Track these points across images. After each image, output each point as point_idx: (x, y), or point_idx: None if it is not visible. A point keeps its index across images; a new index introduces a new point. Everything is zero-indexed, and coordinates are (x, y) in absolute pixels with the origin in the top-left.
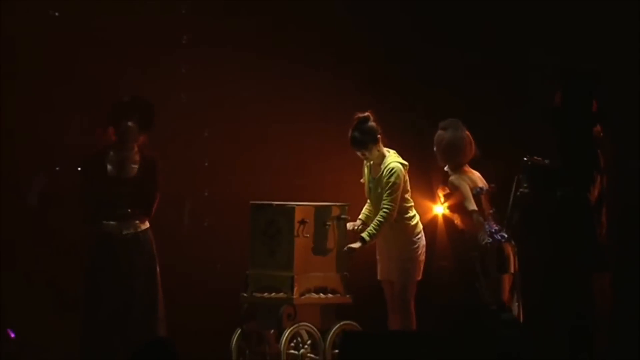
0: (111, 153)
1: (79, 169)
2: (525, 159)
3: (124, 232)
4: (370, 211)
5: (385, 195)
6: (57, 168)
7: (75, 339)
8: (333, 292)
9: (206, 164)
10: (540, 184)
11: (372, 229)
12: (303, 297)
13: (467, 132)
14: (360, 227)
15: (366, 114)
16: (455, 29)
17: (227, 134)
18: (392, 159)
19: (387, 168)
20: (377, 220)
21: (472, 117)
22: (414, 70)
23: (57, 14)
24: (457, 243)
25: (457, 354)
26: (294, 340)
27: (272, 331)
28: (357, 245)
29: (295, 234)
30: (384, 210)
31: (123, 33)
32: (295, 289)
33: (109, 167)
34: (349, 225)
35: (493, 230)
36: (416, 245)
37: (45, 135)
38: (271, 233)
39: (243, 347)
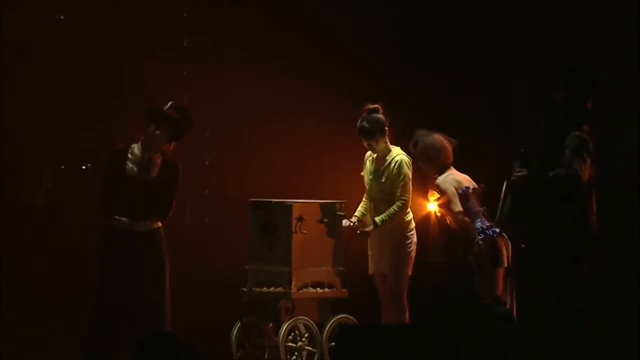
0: (135, 152)
1: (107, 159)
2: (521, 150)
3: (135, 230)
4: (365, 208)
5: (399, 187)
6: (62, 167)
7: (77, 335)
8: (329, 286)
9: (207, 163)
10: (534, 168)
11: (386, 215)
12: (300, 292)
13: (439, 136)
14: (355, 224)
15: (377, 105)
16: (450, 29)
17: (227, 134)
18: (398, 152)
19: (394, 161)
20: (393, 209)
21: (464, 117)
22: (410, 69)
23: (62, 17)
24: (450, 239)
25: (450, 346)
26: (292, 333)
27: (271, 324)
28: (370, 229)
29: (293, 230)
30: (401, 200)
31: (125, 34)
32: (293, 284)
33: (129, 165)
34: (345, 222)
35: (485, 227)
36: (409, 241)
37: (48, 135)
38: (270, 229)
39: (243, 340)
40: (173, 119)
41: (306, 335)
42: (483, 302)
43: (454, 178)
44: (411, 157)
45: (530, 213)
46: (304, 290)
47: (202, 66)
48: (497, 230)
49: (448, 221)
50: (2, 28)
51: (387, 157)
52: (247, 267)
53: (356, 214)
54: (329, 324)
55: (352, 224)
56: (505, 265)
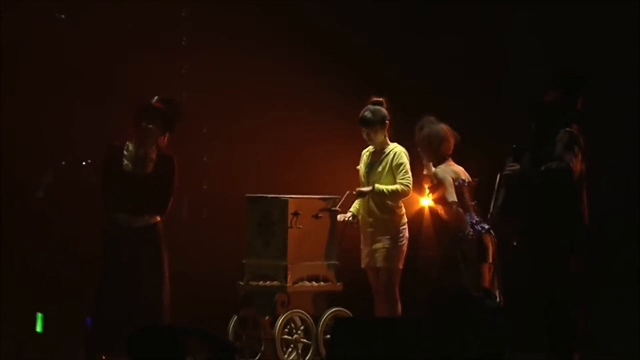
0: (130, 148)
1: (105, 156)
2: (514, 146)
3: (134, 225)
4: (360, 203)
5: (400, 175)
6: (63, 163)
7: (76, 332)
8: (325, 280)
9: (205, 159)
10: (526, 163)
11: (385, 188)
12: (296, 285)
13: (445, 126)
14: (350, 219)
15: (381, 99)
16: (444, 26)
17: (224, 131)
18: (396, 145)
19: (393, 151)
20: (395, 187)
21: (457, 112)
22: (405, 66)
23: (63, 16)
24: (442, 233)
25: (441, 338)
26: (288, 326)
27: (267, 317)
28: (367, 189)
29: (289, 225)
30: (404, 184)
31: (125, 32)
32: (288, 278)
33: (125, 161)
34: (340, 217)
35: (474, 222)
36: (401, 235)
37: (48, 133)
38: (266, 224)
39: (239, 332)
40: (162, 111)
41: (302, 327)
42: (474, 294)
43: (452, 169)
44: (415, 141)
45: (523, 207)
46: (300, 284)
47: (200, 64)
48: (486, 227)
49: (440, 213)
50: (2, 26)
51: (385, 150)
52: (243, 261)
53: (351, 209)
54: (324, 317)
55: (347, 219)
56: (491, 261)
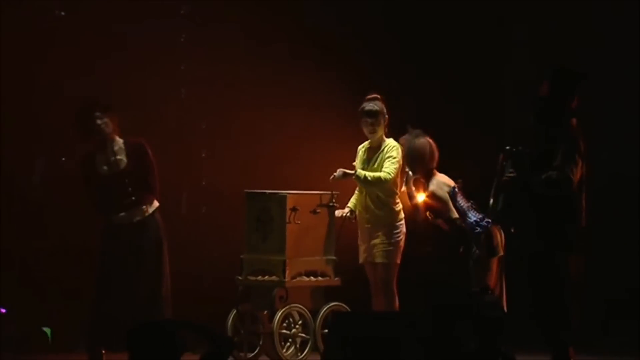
0: (98, 153)
1: (80, 168)
2: (507, 147)
3: (135, 220)
4: (357, 199)
5: (388, 163)
6: (63, 159)
7: (76, 328)
8: (322, 275)
9: (204, 155)
10: (525, 169)
11: (369, 175)
12: (294, 280)
13: (429, 140)
14: (348, 215)
15: (378, 95)
16: (439, 24)
17: (223, 127)
18: (392, 141)
19: (388, 145)
20: (378, 174)
21: (449, 110)
22: (401, 64)
23: (62, 13)
24: (438, 229)
25: (439, 333)
26: (286, 321)
27: (265, 312)
28: (351, 172)
29: (287, 220)
30: (387, 172)
31: (124, 30)
32: (287, 273)
33: (99, 167)
34: (338, 213)
35: (478, 219)
36: (398, 231)
37: (48, 129)
38: (264, 220)
39: (238, 327)
40: (91, 106)
41: (300, 322)
42: (471, 290)
43: (443, 182)
44: (404, 156)
45: (522, 213)
46: (298, 278)
47: (199, 60)
48: (490, 220)
49: (442, 226)
50: (2, 23)
51: (381, 146)
52: (242, 256)
53: (349, 204)
54: (322, 312)
55: (345, 214)
56: (501, 254)
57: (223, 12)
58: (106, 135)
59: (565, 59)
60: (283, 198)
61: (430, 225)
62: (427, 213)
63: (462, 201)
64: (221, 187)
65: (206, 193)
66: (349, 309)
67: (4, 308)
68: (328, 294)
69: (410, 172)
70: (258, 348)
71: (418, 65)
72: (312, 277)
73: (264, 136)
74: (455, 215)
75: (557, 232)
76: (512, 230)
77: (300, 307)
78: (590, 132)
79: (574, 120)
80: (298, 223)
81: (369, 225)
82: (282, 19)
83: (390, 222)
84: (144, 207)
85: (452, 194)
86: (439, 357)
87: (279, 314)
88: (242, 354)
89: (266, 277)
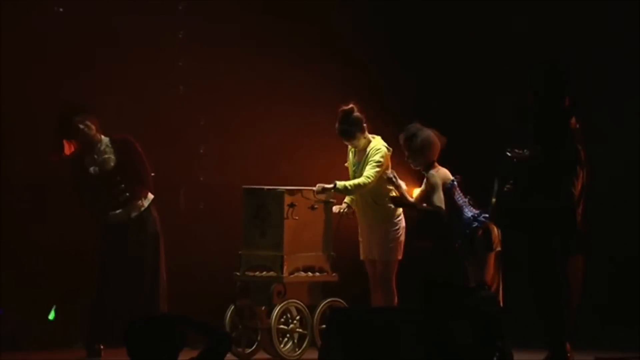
0: (86, 157)
1: (71, 174)
2: (507, 153)
3: (132, 216)
4: (355, 196)
5: (369, 167)
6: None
7: (74, 321)
8: (320, 270)
9: (201, 151)
10: (525, 181)
11: (348, 184)
12: (292, 276)
13: (433, 132)
14: (345, 210)
15: (350, 106)
16: (437, 22)
17: (221, 123)
18: (378, 142)
19: (373, 148)
20: (356, 181)
21: (447, 108)
22: (397, 60)
23: (61, 9)
24: (436, 225)
25: (436, 329)
26: (284, 316)
27: (264, 307)
28: (329, 186)
29: (285, 216)
30: (366, 177)
31: (123, 27)
32: (284, 268)
33: (89, 169)
34: (335, 209)
35: (475, 215)
36: (397, 227)
37: (48, 125)
38: (262, 216)
39: (236, 322)
40: (69, 110)
41: (298, 317)
42: (469, 285)
43: (441, 174)
44: (406, 149)
45: (523, 220)
46: (296, 274)
47: (197, 57)
48: (487, 215)
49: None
50: (2, 21)
51: (367, 149)
52: (240, 252)
53: (346, 200)
54: (320, 307)
55: (342, 210)
56: (499, 249)
57: (221, 9)
58: (90, 137)
59: (563, 57)
60: (281, 194)
61: (428, 220)
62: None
63: (459, 196)
64: (219, 183)
65: (204, 189)
66: (346, 305)
67: (1, 308)
68: (326, 289)
69: (412, 165)
70: (256, 343)
71: (417, 63)
72: (310, 273)
73: (262, 132)
74: (440, 203)
75: (556, 234)
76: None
77: (298, 303)
78: (590, 130)
79: (573, 121)
80: (296, 219)
81: (368, 221)
82: (280, 16)
83: (388, 219)
84: (139, 202)
85: (451, 187)
86: (436, 352)
87: (276, 310)
88: (240, 350)
89: (264, 272)
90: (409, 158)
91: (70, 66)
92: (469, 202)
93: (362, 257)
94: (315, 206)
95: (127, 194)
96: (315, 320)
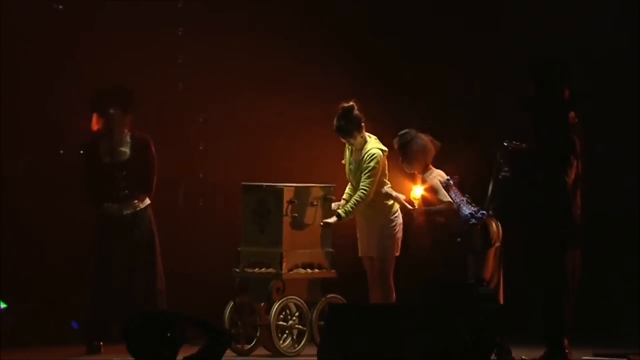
0: (103, 140)
1: (81, 153)
2: (505, 143)
3: (124, 212)
4: (352, 191)
5: (364, 177)
6: (61, 152)
7: (73, 318)
8: (319, 267)
9: (201, 148)
10: (521, 168)
11: (349, 207)
12: (291, 272)
13: (427, 137)
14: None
15: (350, 103)
16: (436, 18)
17: (220, 120)
18: (373, 145)
19: (368, 153)
20: (355, 199)
21: (447, 105)
22: (397, 59)
23: (60, 7)
24: (435, 222)
25: (434, 325)
26: (283, 312)
27: (263, 304)
28: (332, 220)
29: (284, 213)
30: (362, 191)
31: (122, 23)
32: (284, 265)
33: (103, 155)
34: (334, 205)
35: (473, 212)
36: (394, 224)
37: (48, 122)
38: (261, 212)
39: (235, 319)
40: (119, 91)
41: (297, 314)
42: (467, 282)
43: (437, 173)
44: (401, 155)
45: (519, 210)
46: (295, 271)
47: (196, 54)
48: (485, 212)
49: (439, 219)
50: (2, 19)
51: (363, 150)
52: (239, 248)
53: (344, 197)
54: (319, 304)
55: (340, 207)
56: (498, 244)
57: (221, 7)
58: (114, 125)
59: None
60: (280, 191)
61: (427, 217)
62: (420, 197)
63: (455, 194)
64: (218, 179)
65: (203, 186)
66: (345, 301)
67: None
68: (325, 286)
69: (407, 169)
70: (255, 340)
71: (416, 60)
72: (308, 270)
73: (261, 129)
74: (447, 198)
75: (553, 228)
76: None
77: (297, 299)
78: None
79: (572, 115)
80: (295, 216)
81: (365, 219)
82: (281, 12)
83: (385, 216)
84: (136, 202)
85: (447, 185)
86: (435, 349)
87: (276, 306)
88: (239, 346)
89: (263, 269)
90: (403, 163)
91: (68, 62)
92: (466, 201)
93: (360, 254)
94: (315, 203)
95: (127, 192)
96: (314, 317)
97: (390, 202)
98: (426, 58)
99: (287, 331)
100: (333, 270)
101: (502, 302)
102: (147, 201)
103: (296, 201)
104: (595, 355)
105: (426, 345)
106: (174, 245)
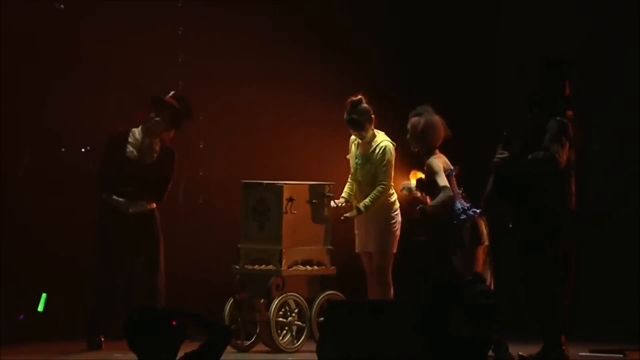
0: (136, 136)
1: (108, 141)
2: (505, 133)
3: (130, 210)
4: (351, 189)
5: (381, 172)
6: (62, 150)
7: (75, 313)
8: (318, 264)
9: (201, 146)
10: (515, 151)
11: (368, 201)
12: (291, 269)
13: (439, 117)
14: (343, 204)
15: (359, 97)
16: (436, 16)
17: (221, 118)
18: (383, 138)
19: (379, 147)
20: (374, 193)
21: (447, 100)
22: (398, 57)
23: (62, 5)
24: (430, 219)
25: (432, 321)
26: (283, 309)
27: (262, 300)
28: (353, 214)
29: (284, 210)
30: (382, 184)
31: (122, 22)
32: (283, 262)
33: (129, 148)
34: (333, 203)
35: (465, 208)
36: (394, 221)
37: (49, 121)
38: (261, 210)
39: (235, 315)
40: (172, 107)
41: (296, 310)
42: (464, 278)
43: (443, 160)
44: (412, 129)
45: (511, 193)
46: (294, 267)
47: (197, 52)
48: (478, 210)
49: (428, 202)
50: (2, 17)
51: (372, 143)
52: (239, 245)
53: (343, 195)
54: (318, 300)
55: (340, 204)
56: (487, 243)
57: (221, 5)
58: (152, 131)
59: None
60: (280, 188)
61: (425, 214)
62: (420, 193)
63: (454, 186)
64: (218, 177)
65: (203, 183)
66: (344, 298)
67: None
68: (324, 282)
69: (411, 147)
70: (255, 336)
71: (417, 62)
72: (308, 266)
73: (261, 126)
74: (445, 183)
75: (546, 218)
76: (510, 226)
77: (296, 296)
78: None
79: (570, 113)
80: (294, 213)
81: (365, 216)
82: (278, 9)
83: (386, 212)
84: (144, 203)
85: (448, 176)
86: (433, 345)
87: (275, 303)
88: (239, 342)
89: (263, 266)
90: (409, 138)
91: (68, 60)
92: (461, 195)
93: (357, 250)
94: (314, 200)
95: (138, 191)
96: (313, 313)
97: (393, 199)
98: (426, 58)
99: (286, 327)
100: (332, 267)
101: None
102: (153, 206)
103: (296, 199)
104: (591, 351)
105: (424, 342)
106: (174, 242)
